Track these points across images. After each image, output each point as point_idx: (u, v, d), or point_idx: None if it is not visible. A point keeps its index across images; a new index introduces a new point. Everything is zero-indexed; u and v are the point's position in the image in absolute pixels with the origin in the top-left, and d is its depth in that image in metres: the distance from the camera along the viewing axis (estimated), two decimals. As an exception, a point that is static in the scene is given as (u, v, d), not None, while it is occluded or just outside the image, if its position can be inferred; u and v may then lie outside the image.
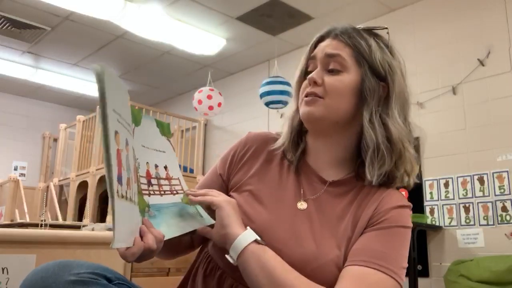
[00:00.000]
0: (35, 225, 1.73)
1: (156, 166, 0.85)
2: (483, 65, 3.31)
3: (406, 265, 0.85)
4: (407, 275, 3.01)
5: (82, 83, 5.86)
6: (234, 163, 0.99)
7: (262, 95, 3.95)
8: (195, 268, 0.96)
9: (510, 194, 3.08)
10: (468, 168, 3.28)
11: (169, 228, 0.79)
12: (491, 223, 3.12)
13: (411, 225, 0.89)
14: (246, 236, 0.80)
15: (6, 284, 1.38)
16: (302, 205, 0.91)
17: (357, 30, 0.94)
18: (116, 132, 0.63)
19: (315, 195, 0.92)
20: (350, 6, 3.82)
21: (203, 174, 5.35)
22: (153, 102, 6.36)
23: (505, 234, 3.04)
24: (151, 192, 0.81)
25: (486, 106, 3.26)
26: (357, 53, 0.91)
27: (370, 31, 0.95)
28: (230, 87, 5.32)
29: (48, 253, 1.49)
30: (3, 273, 1.39)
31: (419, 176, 3.51)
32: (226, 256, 0.81)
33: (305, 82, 0.93)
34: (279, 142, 0.98)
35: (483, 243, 3.12)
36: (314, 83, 0.91)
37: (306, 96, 0.92)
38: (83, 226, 1.87)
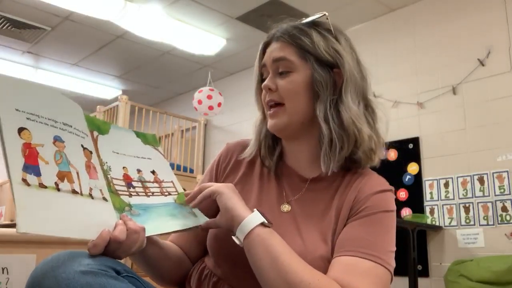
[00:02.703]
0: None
1: (139, 170, 0.90)
2: (483, 65, 3.31)
3: (394, 248, 0.85)
4: (407, 275, 3.02)
5: (82, 83, 5.86)
6: (218, 175, 1.01)
7: (262, 95, 3.94)
8: (189, 275, 0.97)
9: (510, 194, 3.08)
10: (468, 168, 3.28)
11: (155, 225, 0.82)
12: (491, 223, 3.12)
13: (394, 207, 0.90)
14: (253, 219, 0.80)
15: (6, 284, 1.38)
16: (285, 207, 0.92)
17: (297, 26, 0.94)
18: (22, 128, 0.68)
19: (298, 195, 0.93)
20: (350, 6, 3.82)
21: (203, 173, 5.34)
22: (153, 102, 6.35)
23: (505, 234, 3.04)
24: (133, 193, 0.85)
25: (486, 106, 3.26)
26: (300, 49, 0.91)
27: (310, 23, 0.95)
28: (230, 87, 5.32)
29: (48, 253, 1.48)
30: (3, 273, 1.38)
31: (419, 176, 3.51)
32: (233, 237, 0.81)
33: (262, 91, 0.95)
34: (247, 152, 1.00)
35: (483, 243, 3.12)
36: (269, 90, 0.92)
37: (267, 104, 0.93)
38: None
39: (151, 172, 0.91)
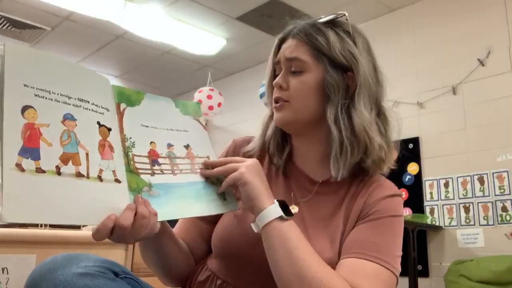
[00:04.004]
0: (35, 225, 1.72)
1: (170, 145, 0.83)
2: (483, 65, 3.31)
3: (401, 253, 0.85)
4: (407, 275, 3.02)
5: (82, 83, 5.86)
6: None
7: (262, 95, 3.95)
8: (190, 278, 0.95)
9: (510, 194, 3.07)
10: (468, 168, 3.28)
11: (175, 209, 0.77)
12: (491, 223, 3.12)
13: (403, 213, 0.90)
14: (271, 212, 0.78)
15: (6, 284, 1.38)
16: (293, 209, 0.90)
17: (315, 25, 0.93)
18: (27, 106, 0.64)
19: (307, 198, 0.92)
20: (350, 6, 3.82)
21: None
22: (153, 102, 6.35)
23: (505, 234, 3.04)
24: (156, 172, 0.78)
25: (486, 106, 3.26)
26: (314, 50, 0.90)
27: (329, 23, 0.94)
28: (230, 87, 5.32)
29: (48, 253, 1.49)
30: (3, 273, 1.38)
31: (419, 176, 3.51)
32: (252, 224, 0.81)
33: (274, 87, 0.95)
34: (250, 146, 0.99)
35: (483, 243, 3.12)
36: (280, 87, 0.92)
37: (275, 101, 0.93)
38: (83, 226, 1.86)
39: (184, 146, 0.84)
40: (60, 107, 0.68)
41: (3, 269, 1.38)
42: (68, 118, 0.68)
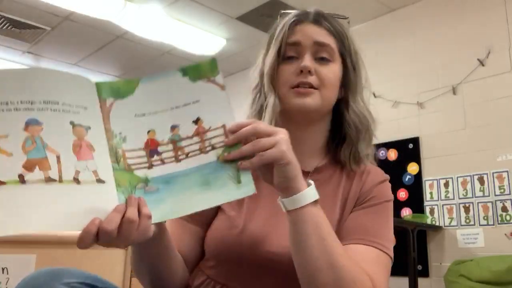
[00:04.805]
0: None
1: (174, 127, 0.73)
2: (483, 65, 3.31)
3: (393, 237, 0.89)
4: (407, 275, 3.02)
5: (82, 83, 5.86)
6: None
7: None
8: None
9: (510, 194, 3.07)
10: (468, 168, 3.28)
11: (174, 205, 0.69)
12: (491, 223, 3.12)
13: (393, 196, 0.93)
14: (308, 194, 0.72)
15: (6, 284, 1.38)
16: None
17: (334, 18, 0.95)
18: None
19: None
20: (350, 6, 3.82)
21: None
22: (153, 102, 6.35)
23: (505, 234, 3.04)
24: (155, 163, 0.71)
25: (486, 106, 3.26)
26: (340, 42, 0.92)
27: (343, 19, 0.97)
28: (230, 87, 5.29)
29: (48, 253, 1.49)
30: (3, 273, 1.38)
31: (419, 176, 3.51)
32: (279, 201, 0.74)
33: (290, 69, 0.88)
34: None
35: (483, 243, 3.12)
36: (309, 72, 0.87)
37: (298, 85, 0.87)
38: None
39: (193, 122, 0.73)
40: (20, 115, 0.64)
41: (3, 269, 1.38)
42: (31, 123, 0.65)
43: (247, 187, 0.70)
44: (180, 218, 0.88)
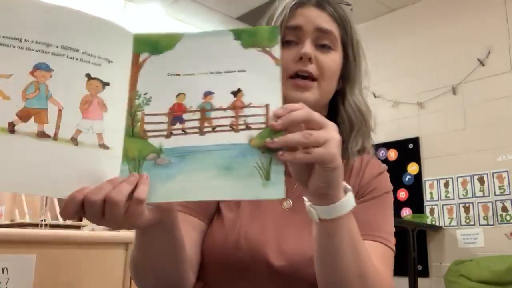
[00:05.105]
0: (35, 225, 1.72)
1: (208, 93, 0.62)
2: (483, 65, 3.31)
3: (393, 228, 0.86)
4: (407, 275, 3.02)
5: (82, 83, 5.86)
6: None
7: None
8: None
9: (510, 194, 3.08)
10: (468, 168, 3.28)
11: (184, 185, 0.58)
12: (491, 223, 3.12)
13: (392, 186, 0.90)
14: (348, 203, 0.63)
15: (6, 284, 1.38)
16: (287, 203, 0.84)
17: (338, 3, 0.87)
18: None
19: (298, 191, 0.83)
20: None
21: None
22: (153, 102, 6.36)
23: (505, 234, 3.04)
24: (175, 132, 0.61)
25: (486, 106, 3.26)
26: (343, 30, 0.85)
27: (347, 5, 0.89)
28: (230, 87, 5.31)
29: (48, 253, 1.49)
30: (3, 273, 1.38)
31: (419, 176, 3.51)
32: (309, 207, 0.64)
33: (288, 55, 0.80)
34: None
35: (483, 243, 3.12)
36: (309, 60, 0.80)
37: (296, 74, 0.81)
38: (83, 226, 1.87)
39: (232, 93, 0.62)
40: (31, 56, 0.57)
41: (3, 269, 1.38)
42: (40, 68, 0.57)
43: (275, 188, 0.57)
44: (181, 210, 0.79)
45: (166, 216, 0.63)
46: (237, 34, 0.65)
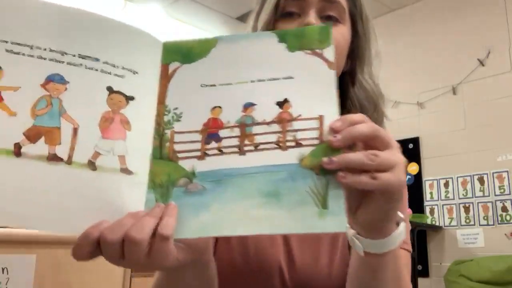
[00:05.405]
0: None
1: (249, 105, 0.54)
2: (483, 65, 3.31)
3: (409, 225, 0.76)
4: (407, 275, 3.02)
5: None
6: None
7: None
8: None
9: (510, 194, 3.08)
10: (468, 168, 3.28)
11: (222, 216, 0.49)
12: (491, 223, 3.12)
13: (406, 178, 0.81)
14: (399, 235, 0.54)
15: (6, 284, 1.38)
16: None
17: None
18: None
19: None
20: (350, 6, 3.83)
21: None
22: (153, 102, 6.36)
23: (505, 234, 3.04)
24: (210, 152, 0.52)
25: (486, 106, 3.26)
26: (351, 2, 0.78)
27: None
28: (230, 87, 5.32)
29: (48, 253, 1.49)
30: (3, 273, 1.38)
31: (419, 176, 3.51)
32: (353, 238, 0.54)
33: (290, 27, 0.72)
34: None
35: (483, 243, 3.12)
36: None
37: None
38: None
39: (277, 103, 0.54)
40: (43, 65, 0.50)
41: (3, 269, 1.38)
42: (54, 79, 0.50)
43: (335, 218, 0.46)
44: None
45: (199, 255, 0.53)
46: (281, 36, 0.57)
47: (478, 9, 3.43)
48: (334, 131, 0.48)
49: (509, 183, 3.08)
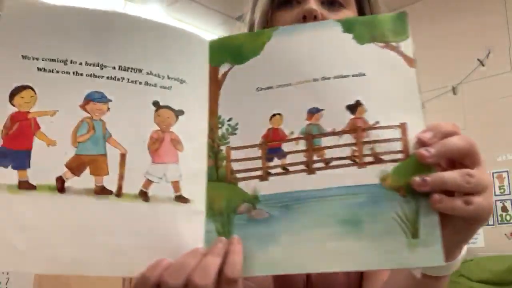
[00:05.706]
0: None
1: (315, 111, 0.45)
2: (483, 65, 3.31)
3: None
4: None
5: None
6: None
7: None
8: None
9: (510, 194, 3.07)
10: (468, 168, 3.28)
11: (293, 249, 0.41)
12: (491, 223, 3.12)
13: None
14: (462, 257, 0.50)
15: (6, 284, 1.38)
16: None
17: None
18: (21, 88, 0.42)
19: None
20: (350, 6, 3.83)
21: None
22: (153, 102, 6.36)
23: (505, 234, 3.04)
24: (272, 171, 0.44)
25: (486, 106, 3.26)
26: None
27: None
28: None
29: (48, 253, 1.49)
30: (3, 273, 1.38)
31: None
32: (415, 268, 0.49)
33: (289, 15, 0.65)
34: None
35: (483, 243, 3.12)
36: (315, 18, 0.62)
37: None
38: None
39: (347, 107, 0.44)
40: (80, 83, 0.43)
41: (3, 269, 1.39)
42: (94, 98, 0.43)
43: (429, 249, 0.39)
44: None
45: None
46: (348, 26, 0.47)
47: (478, 9, 3.42)
48: (423, 143, 0.41)
49: (509, 183, 3.08)
